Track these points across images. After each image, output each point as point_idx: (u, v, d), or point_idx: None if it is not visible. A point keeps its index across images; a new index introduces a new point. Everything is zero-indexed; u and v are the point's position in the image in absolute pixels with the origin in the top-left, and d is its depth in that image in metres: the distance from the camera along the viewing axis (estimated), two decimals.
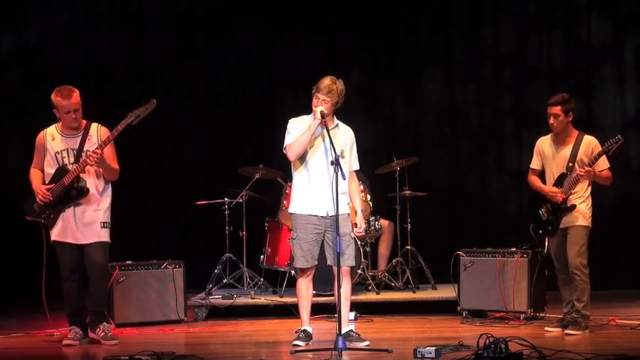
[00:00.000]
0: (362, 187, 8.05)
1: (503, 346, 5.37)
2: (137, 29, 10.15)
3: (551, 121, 6.95)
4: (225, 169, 9.44)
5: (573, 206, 6.88)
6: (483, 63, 10.13)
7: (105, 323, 6.75)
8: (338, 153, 6.21)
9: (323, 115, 6.34)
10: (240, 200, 8.74)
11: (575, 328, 6.82)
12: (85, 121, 6.74)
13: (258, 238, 8.90)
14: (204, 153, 9.99)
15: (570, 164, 6.90)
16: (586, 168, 6.73)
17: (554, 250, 7.06)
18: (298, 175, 6.52)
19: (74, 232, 6.62)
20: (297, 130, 6.44)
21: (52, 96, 6.65)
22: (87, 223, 6.63)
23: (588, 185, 6.94)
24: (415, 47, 10.14)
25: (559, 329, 6.94)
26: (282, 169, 8.41)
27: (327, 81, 6.40)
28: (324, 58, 9.91)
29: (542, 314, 7.58)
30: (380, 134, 10.10)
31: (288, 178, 7.18)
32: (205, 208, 8.99)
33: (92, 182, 6.67)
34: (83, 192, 6.61)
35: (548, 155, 7.06)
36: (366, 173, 8.63)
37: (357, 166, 6.68)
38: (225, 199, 8.79)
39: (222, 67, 10.12)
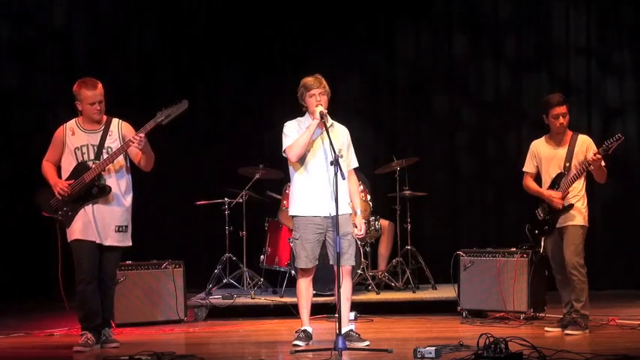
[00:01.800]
0: (362, 187, 8.06)
1: (503, 346, 5.36)
2: (138, 28, 10.18)
3: (561, 120, 6.90)
4: (225, 169, 9.44)
5: (571, 205, 6.88)
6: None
7: (107, 328, 6.67)
8: (337, 153, 6.22)
9: (322, 115, 6.35)
10: (240, 200, 8.75)
11: (574, 328, 6.82)
12: (105, 116, 6.59)
13: (258, 238, 8.90)
14: (204, 153, 9.99)
15: (567, 164, 6.90)
16: (598, 155, 6.69)
17: (550, 251, 7.04)
18: (299, 177, 6.52)
19: (94, 231, 6.44)
20: (294, 131, 6.46)
21: (75, 88, 6.50)
22: (107, 224, 6.48)
23: (584, 184, 6.94)
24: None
25: (559, 329, 6.93)
26: (281, 170, 8.41)
27: (310, 79, 6.45)
28: (324, 57, 9.91)
29: (542, 314, 7.58)
30: (380, 134, 10.11)
31: (287, 179, 7.18)
32: (205, 208, 8.99)
33: (113, 181, 6.53)
34: (105, 190, 6.46)
35: (544, 157, 7.05)
36: (366, 173, 8.64)
37: (355, 164, 6.68)
38: (225, 199, 8.80)
39: (222, 67, 10.13)
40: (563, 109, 6.92)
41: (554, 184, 6.95)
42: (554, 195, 6.89)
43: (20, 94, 9.82)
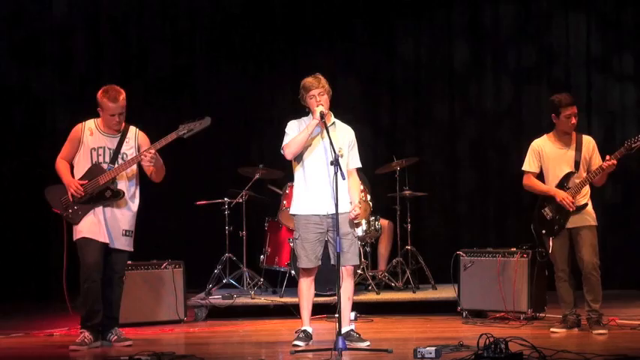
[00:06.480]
0: (362, 187, 8.05)
1: (503, 346, 5.36)
2: (137, 27, 10.18)
3: (574, 120, 6.91)
4: (225, 169, 9.43)
5: (586, 204, 6.85)
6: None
7: (116, 328, 6.70)
8: (337, 152, 6.21)
9: (322, 115, 6.34)
10: (240, 200, 8.75)
11: (601, 327, 6.79)
12: (123, 123, 6.61)
13: (258, 238, 8.90)
14: (204, 153, 9.98)
15: (577, 164, 6.88)
16: (614, 161, 6.72)
17: (560, 251, 6.95)
18: (298, 176, 6.52)
19: (104, 233, 6.47)
20: (295, 131, 6.45)
21: (99, 96, 6.51)
22: (116, 227, 6.53)
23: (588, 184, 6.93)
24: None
25: (564, 330, 6.92)
26: (282, 169, 8.41)
27: (309, 79, 6.44)
28: (324, 57, 9.90)
29: (542, 314, 7.58)
30: (380, 134, 10.11)
31: (289, 179, 7.18)
32: (205, 208, 8.99)
33: (125, 187, 6.58)
34: (119, 194, 6.51)
35: (550, 156, 6.99)
36: (366, 173, 8.64)
37: (358, 164, 6.66)
38: (225, 199, 8.80)
39: (221, 67, 10.13)
40: (575, 108, 6.91)
41: (563, 183, 6.91)
42: (567, 196, 6.83)
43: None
